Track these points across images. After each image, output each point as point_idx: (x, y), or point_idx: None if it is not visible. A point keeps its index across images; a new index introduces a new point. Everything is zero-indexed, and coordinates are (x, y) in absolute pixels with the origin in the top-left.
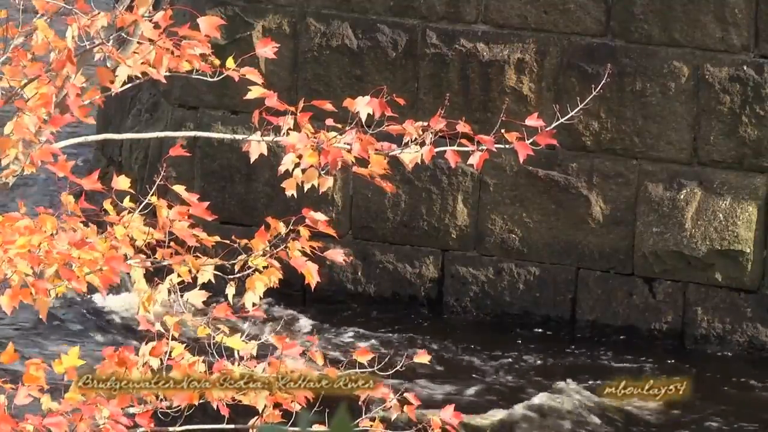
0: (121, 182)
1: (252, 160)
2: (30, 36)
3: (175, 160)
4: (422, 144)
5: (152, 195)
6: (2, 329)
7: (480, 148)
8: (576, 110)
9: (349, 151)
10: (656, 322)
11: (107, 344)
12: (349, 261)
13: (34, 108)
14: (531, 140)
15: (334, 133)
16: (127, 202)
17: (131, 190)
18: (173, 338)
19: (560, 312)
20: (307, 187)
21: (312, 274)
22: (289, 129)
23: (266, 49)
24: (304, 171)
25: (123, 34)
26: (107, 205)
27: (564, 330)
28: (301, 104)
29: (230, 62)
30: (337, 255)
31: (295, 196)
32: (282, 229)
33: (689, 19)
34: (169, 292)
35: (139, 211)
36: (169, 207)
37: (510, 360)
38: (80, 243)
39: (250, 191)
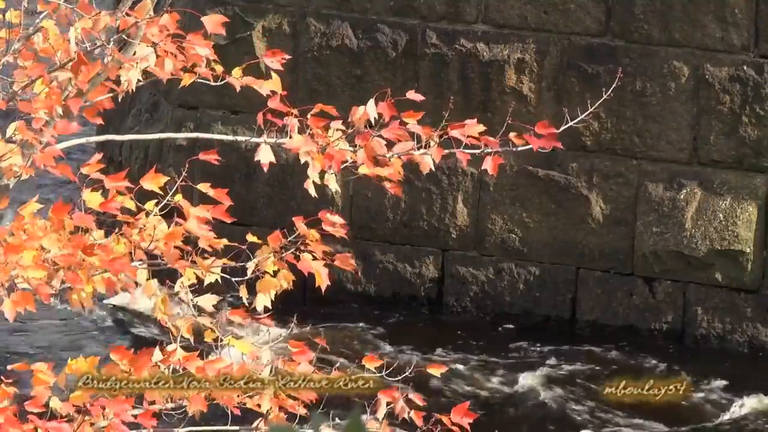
0: (152, 181)
1: (266, 169)
2: (31, 38)
3: (176, 160)
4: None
5: (174, 194)
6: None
7: (489, 151)
8: (585, 114)
9: (354, 153)
10: (656, 322)
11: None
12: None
13: (37, 110)
14: (537, 147)
15: (338, 135)
16: (150, 206)
17: (161, 191)
18: (181, 341)
19: (560, 312)
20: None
21: (322, 277)
22: (292, 133)
23: (273, 60)
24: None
25: (124, 36)
26: (129, 202)
27: (564, 330)
28: (313, 111)
29: (237, 72)
30: (347, 261)
31: (317, 196)
32: (303, 228)
33: (689, 19)
34: (175, 294)
35: (156, 213)
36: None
37: (510, 360)
38: (88, 248)
39: (250, 191)
